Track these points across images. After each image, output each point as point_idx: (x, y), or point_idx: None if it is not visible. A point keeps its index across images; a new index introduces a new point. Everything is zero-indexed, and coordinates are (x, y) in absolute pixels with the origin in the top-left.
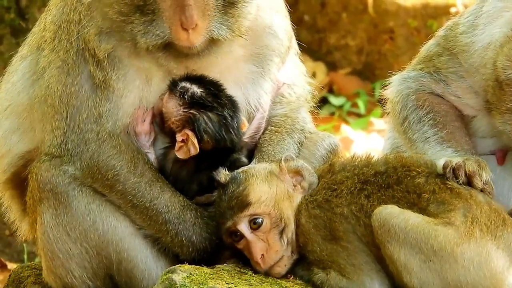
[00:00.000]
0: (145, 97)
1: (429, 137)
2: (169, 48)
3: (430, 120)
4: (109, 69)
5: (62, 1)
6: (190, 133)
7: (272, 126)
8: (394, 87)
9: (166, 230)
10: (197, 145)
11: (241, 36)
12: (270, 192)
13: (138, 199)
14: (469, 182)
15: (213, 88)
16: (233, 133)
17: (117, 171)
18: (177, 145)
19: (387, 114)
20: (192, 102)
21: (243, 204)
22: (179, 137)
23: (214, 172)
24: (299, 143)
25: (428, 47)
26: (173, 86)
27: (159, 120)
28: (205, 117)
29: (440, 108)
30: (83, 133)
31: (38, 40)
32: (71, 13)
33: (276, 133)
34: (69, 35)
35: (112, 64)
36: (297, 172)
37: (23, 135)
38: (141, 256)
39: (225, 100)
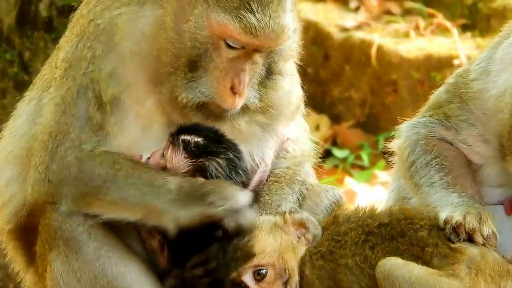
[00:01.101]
0: (138, 143)
1: (435, 182)
2: (203, 106)
3: (437, 164)
4: (110, 112)
5: (77, 37)
6: (202, 180)
7: (272, 177)
8: (403, 133)
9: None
10: None
11: (267, 109)
12: (274, 244)
13: (127, 183)
14: (470, 239)
15: (213, 135)
16: (243, 175)
17: (103, 177)
18: None
19: (392, 164)
20: (198, 152)
21: (247, 255)
22: None
23: (221, 223)
24: (300, 194)
25: (437, 94)
26: (173, 141)
27: None
28: (214, 163)
29: (448, 154)
30: (63, 159)
31: (47, 80)
32: (84, 50)
33: (275, 183)
34: (76, 72)
35: (114, 108)
36: (302, 224)
37: (23, 184)
38: None
39: (228, 143)
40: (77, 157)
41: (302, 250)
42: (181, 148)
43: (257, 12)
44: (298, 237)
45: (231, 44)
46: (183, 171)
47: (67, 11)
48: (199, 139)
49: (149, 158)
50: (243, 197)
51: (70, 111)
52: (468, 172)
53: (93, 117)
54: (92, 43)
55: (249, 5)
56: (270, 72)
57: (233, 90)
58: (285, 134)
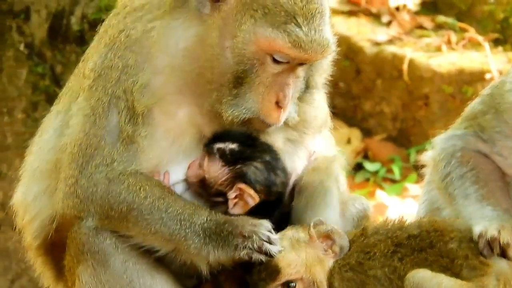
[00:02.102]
0: (167, 156)
1: (469, 194)
2: (246, 122)
3: (472, 176)
4: (141, 125)
5: (106, 47)
6: (243, 185)
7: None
8: (438, 145)
9: (179, 237)
10: (254, 194)
11: (301, 123)
12: (299, 259)
13: (154, 215)
14: (504, 254)
15: (247, 139)
16: (281, 176)
17: (129, 203)
18: (231, 203)
19: (424, 177)
20: (235, 159)
21: (273, 274)
22: (231, 194)
23: None
24: (337, 189)
25: (472, 105)
26: (208, 150)
27: (197, 188)
28: (252, 168)
29: (484, 167)
30: (92, 175)
31: (75, 91)
32: (115, 59)
33: (314, 171)
34: (106, 82)
35: (146, 120)
36: (327, 236)
37: (52, 197)
38: None
39: (263, 146)
40: (107, 176)
41: (330, 262)
42: (217, 156)
43: (303, 26)
44: (325, 250)
45: (278, 59)
46: (222, 180)
47: (98, 24)
48: (234, 146)
49: (188, 168)
50: (264, 229)
51: (100, 123)
52: (504, 186)
53: (125, 130)
54: (123, 53)
55: (296, 19)
56: (307, 86)
57: (278, 105)
58: (312, 147)
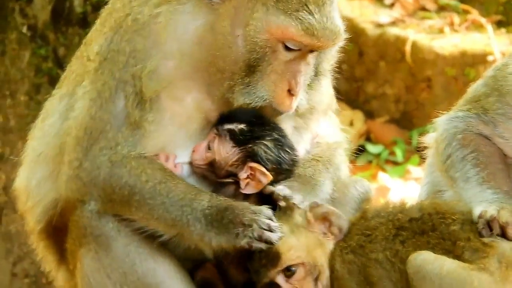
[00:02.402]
0: (174, 141)
1: (470, 177)
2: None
3: (473, 159)
4: (149, 110)
5: (111, 30)
6: (255, 164)
7: (310, 156)
8: (440, 127)
9: (181, 223)
10: (267, 172)
11: (311, 110)
12: (299, 244)
13: (156, 200)
14: (503, 234)
15: (255, 119)
16: (291, 152)
17: (131, 187)
18: (243, 183)
19: (426, 160)
20: (245, 139)
21: (274, 260)
22: (243, 174)
23: None
24: (334, 177)
25: (475, 87)
26: (218, 132)
27: (205, 171)
28: (262, 147)
29: (485, 149)
30: (96, 158)
31: (79, 74)
32: (121, 43)
33: (311, 161)
34: (113, 65)
35: (153, 105)
36: (325, 218)
37: (55, 182)
38: None
39: (270, 124)
40: (110, 159)
41: (330, 244)
42: (227, 138)
43: (315, 13)
44: (324, 233)
45: (290, 46)
46: (233, 160)
47: (101, 7)
48: (243, 126)
49: (193, 151)
50: (264, 216)
51: (107, 107)
52: (504, 168)
53: (131, 115)
54: (130, 37)
55: (307, 7)
56: (316, 73)
57: (290, 92)
58: (315, 130)
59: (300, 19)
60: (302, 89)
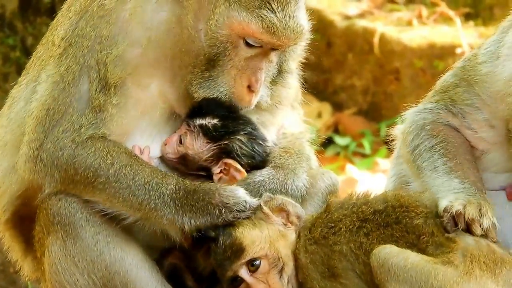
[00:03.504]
0: (136, 127)
1: (438, 166)
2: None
3: (441, 149)
4: (113, 95)
5: (76, 15)
6: (230, 160)
7: (281, 148)
8: (409, 118)
9: (149, 207)
10: (241, 169)
11: (276, 105)
12: (262, 236)
13: (122, 183)
14: (468, 229)
15: (227, 112)
16: (263, 144)
17: (95, 168)
18: (216, 177)
19: (392, 149)
20: (219, 135)
21: (238, 252)
22: (217, 169)
23: (203, 230)
24: (307, 168)
25: (444, 78)
26: (190, 127)
27: (176, 164)
28: (237, 142)
29: (453, 140)
30: (59, 140)
31: (44, 59)
32: (87, 28)
33: (285, 153)
34: (77, 50)
35: (118, 91)
36: (281, 209)
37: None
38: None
39: (242, 118)
40: (74, 140)
41: (292, 234)
42: (200, 134)
43: (277, 12)
44: (284, 224)
45: (250, 43)
46: (207, 156)
47: None
48: (216, 121)
49: (165, 144)
50: (239, 192)
51: (70, 90)
52: (472, 159)
53: (95, 99)
54: (96, 22)
55: (270, 5)
56: (280, 70)
57: (250, 89)
58: (281, 122)
59: (261, 16)
60: (263, 86)
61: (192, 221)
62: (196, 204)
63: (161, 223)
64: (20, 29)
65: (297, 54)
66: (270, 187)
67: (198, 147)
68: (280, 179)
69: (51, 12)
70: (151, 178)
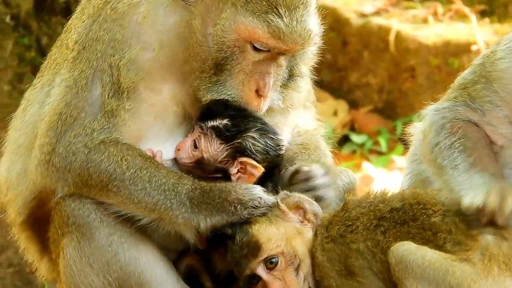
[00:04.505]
0: (149, 132)
1: (458, 164)
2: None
3: (460, 145)
4: (126, 99)
5: (90, 18)
6: (245, 158)
7: (298, 145)
8: (428, 117)
9: (164, 207)
10: (258, 165)
11: (288, 108)
12: (278, 233)
13: (137, 186)
14: (492, 220)
15: (236, 111)
16: (275, 138)
17: (110, 173)
18: (234, 177)
19: (408, 147)
20: (232, 135)
21: (255, 250)
22: (234, 170)
23: (219, 228)
24: (323, 166)
25: (463, 76)
26: (203, 131)
27: (192, 168)
28: (249, 139)
29: (472, 135)
30: (71, 144)
31: (58, 63)
32: (100, 31)
33: (305, 150)
34: (91, 54)
35: (131, 95)
36: (298, 207)
37: None
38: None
39: (252, 114)
40: (86, 145)
41: (309, 232)
42: (214, 136)
43: (284, 16)
44: (301, 221)
45: (258, 47)
46: (222, 157)
47: None
48: (226, 121)
49: (178, 150)
50: (255, 189)
51: (82, 95)
52: (491, 153)
53: (107, 104)
54: (109, 26)
55: (277, 9)
56: (292, 74)
57: (258, 93)
58: (295, 122)
59: (267, 21)
60: (272, 90)
61: (208, 220)
62: (212, 202)
63: (176, 223)
64: (35, 29)
65: (309, 58)
66: (337, 184)
67: (213, 149)
68: (329, 174)
69: (66, 12)
70: (167, 179)
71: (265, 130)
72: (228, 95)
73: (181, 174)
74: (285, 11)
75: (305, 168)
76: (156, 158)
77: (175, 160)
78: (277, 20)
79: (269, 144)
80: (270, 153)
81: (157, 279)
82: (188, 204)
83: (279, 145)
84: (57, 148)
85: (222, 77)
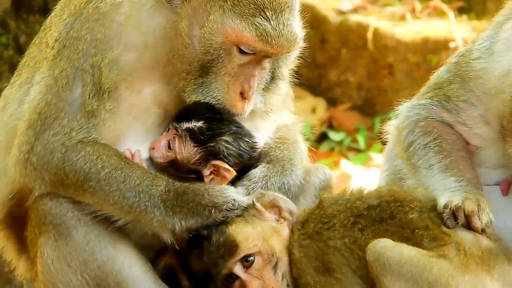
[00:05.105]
0: (129, 132)
1: (433, 165)
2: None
3: (436, 146)
4: (106, 99)
5: (71, 16)
6: (217, 162)
7: (276, 139)
8: (402, 114)
9: (139, 210)
10: (230, 168)
11: (267, 112)
12: (255, 232)
13: (112, 186)
14: (468, 223)
15: (211, 113)
16: (250, 140)
17: (85, 172)
18: (207, 179)
19: (386, 144)
20: (206, 138)
21: (232, 249)
22: (206, 171)
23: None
24: (302, 161)
25: (438, 74)
26: (178, 132)
27: (166, 167)
28: (223, 143)
29: (448, 137)
30: (49, 143)
31: (38, 61)
32: (82, 30)
33: (282, 144)
34: (72, 53)
35: (111, 95)
36: (273, 205)
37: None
38: (140, 287)
39: (227, 117)
40: (64, 144)
41: (285, 230)
42: (188, 138)
43: (271, 20)
44: (277, 220)
45: (244, 50)
46: (195, 159)
47: None
48: (201, 123)
49: (153, 148)
50: (229, 191)
51: (63, 94)
52: (467, 156)
53: (88, 104)
54: (91, 25)
55: (265, 12)
56: (273, 77)
57: (243, 95)
58: (275, 121)
59: (255, 24)
60: (256, 93)
61: (183, 222)
62: (186, 205)
63: (151, 225)
64: (13, 27)
65: (290, 62)
66: (273, 180)
67: (187, 152)
68: (280, 170)
69: (44, 10)
70: (141, 181)
71: (240, 134)
72: (213, 97)
73: (156, 175)
74: (272, 14)
75: None
76: (135, 157)
77: (150, 159)
78: (265, 23)
79: (243, 148)
80: (243, 156)
81: (134, 278)
82: (162, 207)
83: (253, 148)
84: (35, 147)
85: (207, 79)
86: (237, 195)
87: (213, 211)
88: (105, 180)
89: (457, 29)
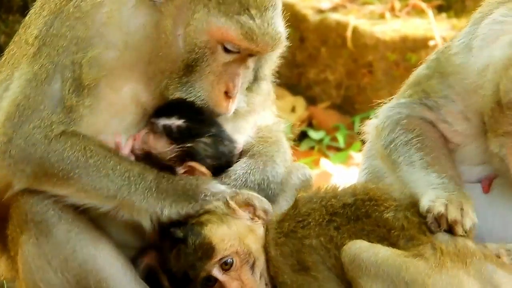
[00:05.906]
0: (105, 129)
1: (414, 161)
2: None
3: (418, 143)
4: (86, 96)
5: (52, 14)
6: (194, 163)
7: (259, 138)
8: (382, 114)
9: (127, 192)
10: (205, 170)
11: (250, 112)
12: (231, 232)
13: (101, 173)
14: (451, 230)
15: (193, 113)
16: (228, 145)
17: (72, 161)
18: None
19: (365, 143)
20: (183, 137)
21: (209, 252)
22: (181, 170)
23: (171, 230)
24: (285, 160)
25: (417, 72)
26: (153, 127)
27: (145, 159)
28: (202, 145)
29: (429, 134)
30: (30, 136)
31: (17, 58)
32: (62, 28)
33: (265, 142)
34: (52, 50)
35: (91, 92)
36: (247, 204)
37: None
38: (121, 286)
39: (208, 119)
40: (47, 136)
41: (260, 229)
42: (164, 135)
43: (256, 18)
44: (251, 218)
45: (229, 49)
46: (170, 156)
47: None
48: (181, 122)
49: (134, 139)
50: (214, 182)
51: (42, 88)
52: (449, 154)
53: (67, 99)
54: (72, 23)
55: (249, 11)
56: (256, 77)
57: (227, 94)
58: (255, 122)
59: (240, 23)
60: (240, 92)
61: (173, 205)
62: (182, 189)
63: (136, 210)
64: None
65: (272, 62)
66: (253, 177)
67: (161, 147)
68: (261, 167)
69: (24, 10)
70: (132, 167)
71: (219, 136)
72: (197, 96)
73: (146, 165)
74: (256, 13)
75: None
76: (119, 146)
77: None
78: (250, 21)
79: (221, 151)
80: (221, 159)
81: (115, 277)
82: (154, 189)
83: (231, 152)
84: (14, 139)
85: (192, 78)
86: (224, 187)
87: (207, 198)
88: (94, 167)
89: (436, 27)
